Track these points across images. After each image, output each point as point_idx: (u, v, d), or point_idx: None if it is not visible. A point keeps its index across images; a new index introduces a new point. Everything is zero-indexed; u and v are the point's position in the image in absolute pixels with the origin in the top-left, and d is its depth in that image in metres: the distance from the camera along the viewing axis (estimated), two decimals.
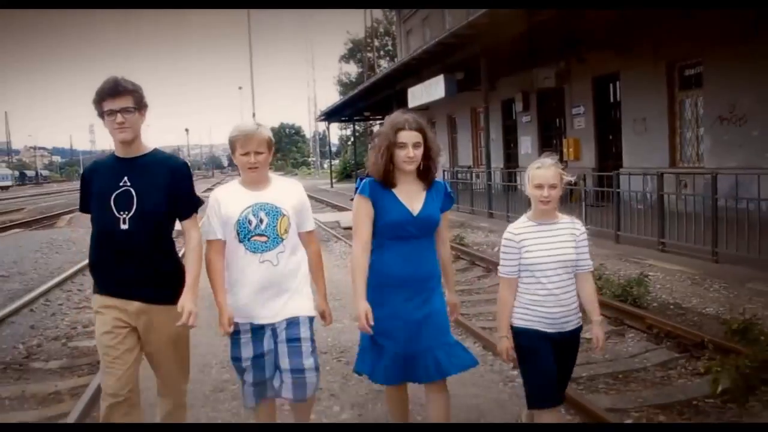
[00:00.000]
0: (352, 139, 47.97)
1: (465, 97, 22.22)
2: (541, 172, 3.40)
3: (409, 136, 3.42)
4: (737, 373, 4.73)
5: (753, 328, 5.52)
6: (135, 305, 3.35)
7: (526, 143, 22.52)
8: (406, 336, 3.47)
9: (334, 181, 42.67)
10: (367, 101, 30.09)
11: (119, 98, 3.25)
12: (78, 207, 3.69)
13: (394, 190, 3.51)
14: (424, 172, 3.55)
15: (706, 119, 14.20)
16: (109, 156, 3.50)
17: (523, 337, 3.47)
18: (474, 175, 21.91)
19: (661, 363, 5.63)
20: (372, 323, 3.41)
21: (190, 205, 3.51)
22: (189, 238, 3.48)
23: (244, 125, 3.49)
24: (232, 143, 3.45)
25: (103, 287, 3.43)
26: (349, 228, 15.05)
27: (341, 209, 21.90)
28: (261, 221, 3.43)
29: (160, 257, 3.43)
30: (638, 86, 16.10)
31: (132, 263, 3.34)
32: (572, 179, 3.58)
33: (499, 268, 3.54)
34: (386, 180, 3.50)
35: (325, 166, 56.15)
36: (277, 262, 3.45)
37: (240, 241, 3.44)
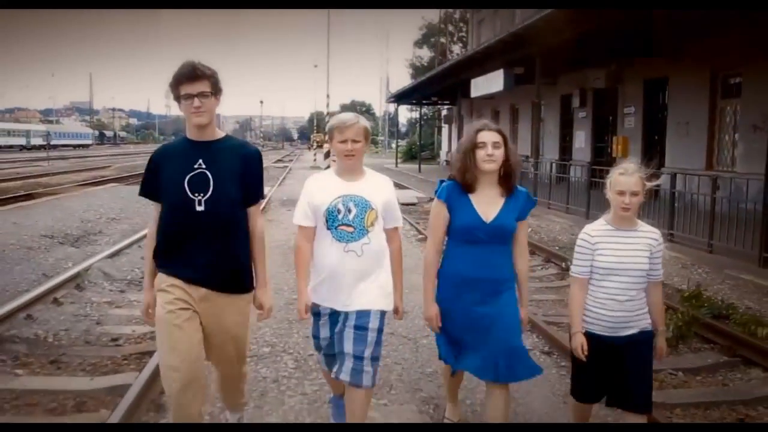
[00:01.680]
0: (420, 123, 49.14)
1: (527, 89, 22.94)
2: (624, 179, 3.32)
3: (488, 136, 3.49)
4: (674, 326, 6.26)
5: (700, 296, 7.02)
6: (201, 291, 3.32)
7: (580, 138, 23.53)
8: (472, 336, 3.55)
9: (399, 161, 44.17)
10: (434, 87, 31.30)
11: (197, 82, 3.25)
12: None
13: (472, 196, 3.55)
14: (505, 178, 3.57)
15: (741, 127, 15.14)
16: (180, 139, 3.49)
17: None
18: (530, 164, 23.09)
19: None
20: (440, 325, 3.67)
21: (258, 192, 3.52)
22: (255, 225, 3.51)
23: (344, 115, 3.59)
24: (331, 131, 3.53)
25: (169, 267, 3.36)
26: (407, 204, 17.01)
27: (402, 188, 23.46)
28: (349, 211, 3.47)
29: (233, 243, 3.38)
30: (684, 92, 16.98)
31: (204, 246, 3.30)
32: (659, 183, 3.47)
33: (571, 267, 3.55)
34: (466, 181, 3.54)
35: (393, 146, 57.62)
36: (361, 253, 3.48)
37: (327, 229, 3.49)
